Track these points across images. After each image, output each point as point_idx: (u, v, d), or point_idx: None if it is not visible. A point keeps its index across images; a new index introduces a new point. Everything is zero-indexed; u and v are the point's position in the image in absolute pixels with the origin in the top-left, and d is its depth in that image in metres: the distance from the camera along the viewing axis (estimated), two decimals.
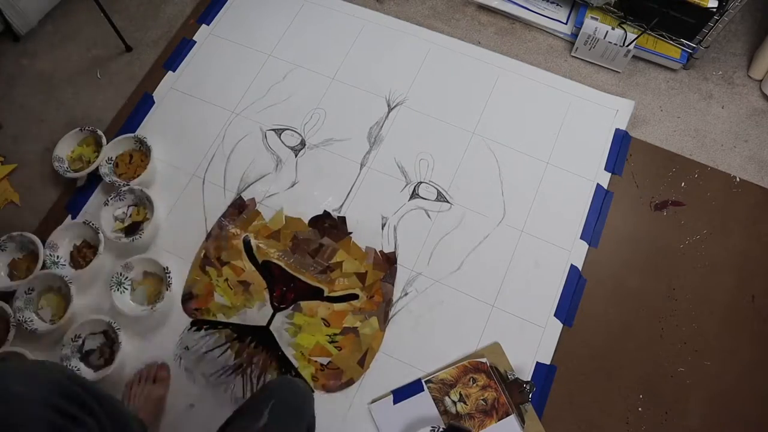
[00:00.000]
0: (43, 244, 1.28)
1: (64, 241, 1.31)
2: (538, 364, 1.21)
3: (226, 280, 1.29)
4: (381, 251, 1.31)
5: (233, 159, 1.43)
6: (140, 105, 1.51)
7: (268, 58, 1.56)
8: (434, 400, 1.17)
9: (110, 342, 1.22)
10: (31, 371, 0.76)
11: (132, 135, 1.42)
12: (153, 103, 1.51)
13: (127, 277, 1.27)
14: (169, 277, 1.25)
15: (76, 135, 1.44)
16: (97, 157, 1.40)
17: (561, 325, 1.25)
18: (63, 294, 1.26)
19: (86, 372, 1.18)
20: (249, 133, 1.46)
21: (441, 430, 1.12)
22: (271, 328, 1.24)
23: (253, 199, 1.37)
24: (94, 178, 1.41)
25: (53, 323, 1.23)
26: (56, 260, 1.29)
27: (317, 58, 1.56)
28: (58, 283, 1.26)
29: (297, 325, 1.24)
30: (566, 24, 1.60)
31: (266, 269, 1.29)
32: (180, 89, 1.53)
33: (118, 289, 1.25)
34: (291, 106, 1.49)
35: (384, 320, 1.25)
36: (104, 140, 1.40)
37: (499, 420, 1.16)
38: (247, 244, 1.32)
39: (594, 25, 1.49)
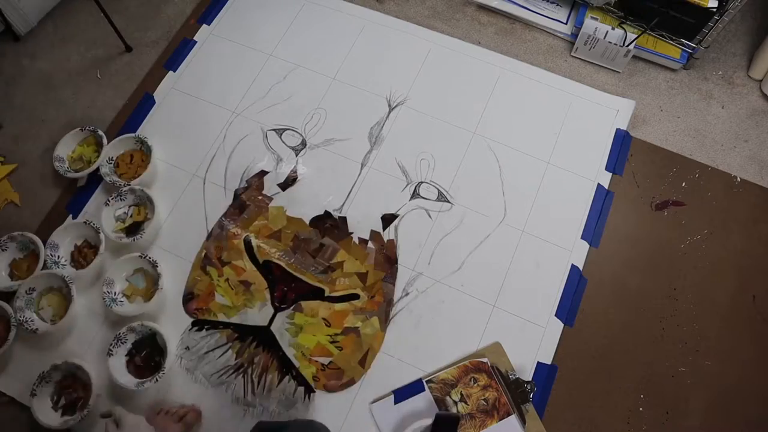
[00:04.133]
0: (44, 244, 1.28)
1: (64, 241, 1.31)
2: (539, 363, 1.21)
3: (227, 280, 1.29)
4: (381, 245, 1.31)
5: (234, 159, 1.42)
6: (141, 105, 1.51)
7: (269, 58, 1.56)
8: (435, 400, 1.17)
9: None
10: None
11: (133, 135, 1.41)
12: (153, 103, 1.51)
13: (115, 293, 1.26)
14: (150, 258, 1.27)
15: (77, 135, 1.44)
16: (97, 157, 1.40)
17: (562, 325, 1.25)
18: (64, 294, 1.26)
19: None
20: (250, 133, 1.46)
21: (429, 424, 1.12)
22: (272, 328, 1.24)
23: (254, 199, 1.37)
24: (95, 179, 1.41)
25: (54, 323, 1.23)
26: (57, 260, 1.29)
27: (318, 58, 1.56)
28: (59, 283, 1.26)
29: (298, 325, 1.24)
30: (566, 24, 1.60)
31: (267, 269, 1.29)
32: (181, 89, 1.53)
33: (114, 305, 1.24)
34: (292, 106, 1.49)
35: (385, 320, 1.25)
36: (105, 140, 1.40)
37: (500, 420, 1.16)
38: (247, 244, 1.32)
39: (594, 25, 1.49)
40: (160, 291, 1.23)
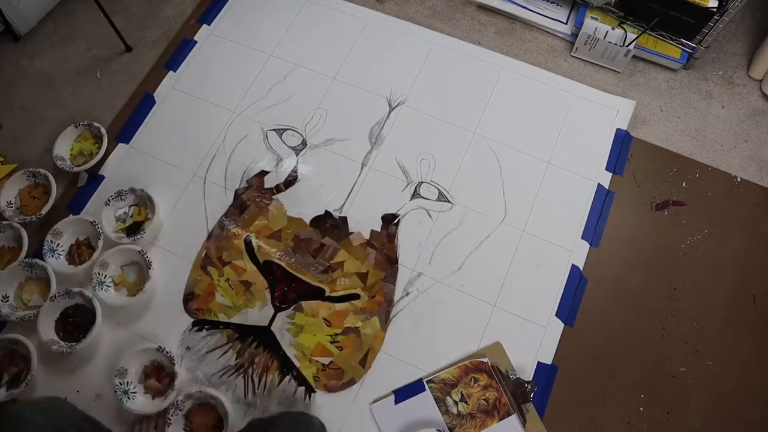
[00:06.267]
0: (43, 242, 1.29)
1: (68, 231, 1.32)
2: (539, 363, 1.21)
3: (228, 279, 1.29)
4: (382, 245, 1.31)
5: (234, 159, 1.42)
6: (141, 105, 1.51)
7: (269, 58, 1.56)
8: (436, 400, 1.17)
9: None
10: (43, 406, 0.93)
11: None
12: (154, 103, 1.51)
13: (106, 275, 1.26)
14: (147, 258, 1.26)
15: (72, 132, 1.45)
16: (98, 149, 1.41)
17: (562, 324, 1.25)
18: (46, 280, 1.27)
19: None
20: (250, 133, 1.46)
21: None
22: (273, 328, 1.24)
23: (254, 199, 1.37)
24: (96, 178, 1.41)
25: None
26: (55, 248, 1.29)
27: (318, 58, 1.56)
28: (43, 274, 1.27)
29: (298, 325, 1.24)
30: (566, 24, 1.60)
31: (267, 269, 1.29)
32: (181, 89, 1.53)
33: (101, 288, 1.25)
34: (292, 106, 1.49)
35: (385, 320, 1.25)
36: (103, 131, 1.42)
37: (500, 420, 1.16)
38: (248, 243, 1.32)
39: (594, 25, 1.49)
40: (143, 293, 1.23)
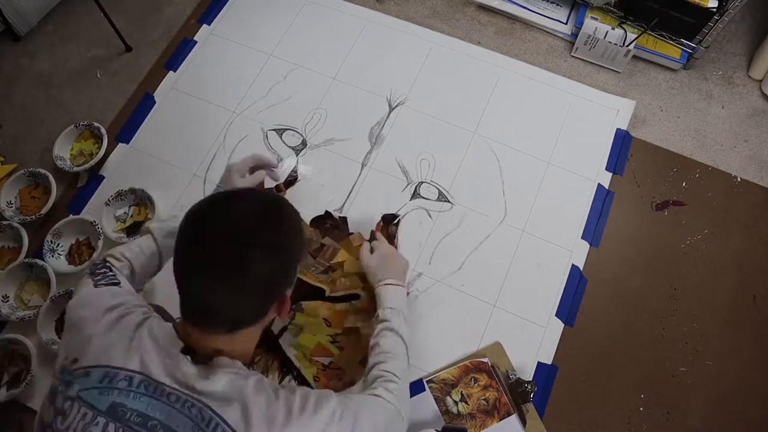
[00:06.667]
0: (43, 243, 1.29)
1: (68, 232, 1.32)
2: (539, 363, 1.21)
3: None
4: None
5: (234, 159, 1.42)
6: (141, 105, 1.51)
7: (269, 58, 1.56)
8: (436, 400, 1.17)
9: None
10: None
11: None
12: (154, 103, 1.51)
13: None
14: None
15: (72, 132, 1.45)
16: (98, 148, 1.41)
17: (562, 325, 1.25)
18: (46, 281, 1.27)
19: None
20: (250, 133, 1.46)
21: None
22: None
23: None
24: (96, 178, 1.41)
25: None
26: (55, 248, 1.30)
27: (318, 58, 1.56)
28: (44, 274, 1.27)
29: (298, 326, 1.24)
30: (566, 24, 1.60)
31: None
32: (181, 89, 1.53)
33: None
34: (292, 106, 1.49)
35: None
36: (103, 131, 1.42)
37: (500, 420, 1.16)
38: None
39: (594, 25, 1.49)
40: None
